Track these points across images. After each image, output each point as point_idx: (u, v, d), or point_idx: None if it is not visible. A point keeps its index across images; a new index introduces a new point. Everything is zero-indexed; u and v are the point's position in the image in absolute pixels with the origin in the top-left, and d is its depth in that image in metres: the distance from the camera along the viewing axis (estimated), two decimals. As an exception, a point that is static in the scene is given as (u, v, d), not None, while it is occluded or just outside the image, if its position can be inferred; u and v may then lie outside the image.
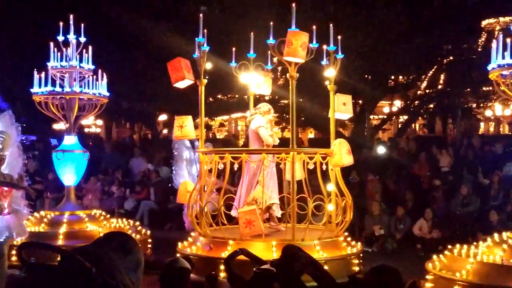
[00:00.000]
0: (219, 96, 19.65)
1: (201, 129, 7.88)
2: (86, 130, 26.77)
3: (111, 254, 2.96)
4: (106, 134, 27.46)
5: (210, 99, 18.19)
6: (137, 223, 10.43)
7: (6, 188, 7.83)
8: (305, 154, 7.49)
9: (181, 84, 7.96)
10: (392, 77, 17.77)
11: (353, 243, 8.03)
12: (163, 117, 25.88)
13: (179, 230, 10.77)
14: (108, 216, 10.11)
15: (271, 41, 7.40)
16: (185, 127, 8.02)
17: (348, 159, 7.74)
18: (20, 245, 3.17)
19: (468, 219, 11.37)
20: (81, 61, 9.78)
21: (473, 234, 10.73)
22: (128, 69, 17.55)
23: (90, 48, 9.80)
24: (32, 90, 9.53)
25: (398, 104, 21.81)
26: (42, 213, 9.78)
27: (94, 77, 9.93)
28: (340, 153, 7.67)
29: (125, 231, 8.82)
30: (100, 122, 28.21)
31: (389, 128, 26.02)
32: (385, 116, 21.38)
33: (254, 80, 8.52)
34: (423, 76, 19.40)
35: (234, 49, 8.40)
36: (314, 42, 7.50)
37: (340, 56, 7.99)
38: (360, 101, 17.45)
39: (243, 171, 8.04)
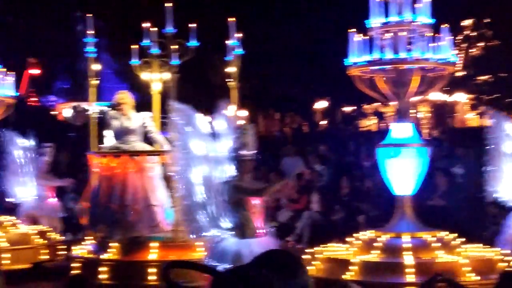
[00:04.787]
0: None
1: None
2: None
3: (271, 277, 3.17)
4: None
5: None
6: None
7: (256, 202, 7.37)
8: None
9: None
10: None
11: None
12: (321, 105, 26.19)
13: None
14: (460, 240, 8.46)
15: None
16: None
17: None
18: (166, 264, 3.31)
19: None
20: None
21: None
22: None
23: None
24: (348, 60, 8.27)
25: None
26: (370, 234, 8.61)
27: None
28: None
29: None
30: (244, 112, 29.07)
31: None
32: None
33: None
34: None
35: None
36: None
37: None
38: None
39: None
